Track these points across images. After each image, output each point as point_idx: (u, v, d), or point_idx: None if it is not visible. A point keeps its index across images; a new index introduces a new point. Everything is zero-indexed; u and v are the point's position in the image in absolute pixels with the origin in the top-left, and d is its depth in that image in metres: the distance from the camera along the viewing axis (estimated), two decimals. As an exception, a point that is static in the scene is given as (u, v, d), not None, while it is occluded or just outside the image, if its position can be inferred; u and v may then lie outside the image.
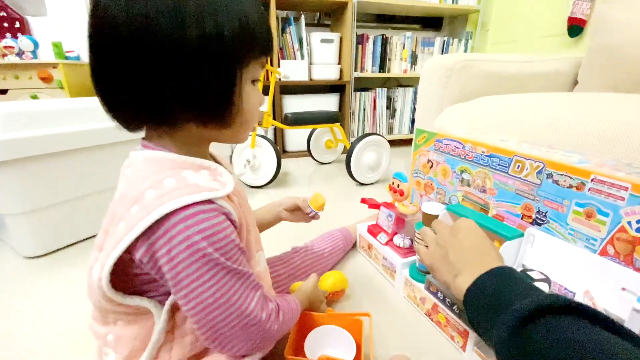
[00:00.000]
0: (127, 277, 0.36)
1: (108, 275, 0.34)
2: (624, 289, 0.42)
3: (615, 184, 0.45)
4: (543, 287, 0.47)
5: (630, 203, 0.44)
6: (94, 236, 0.97)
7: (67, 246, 0.92)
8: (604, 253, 0.47)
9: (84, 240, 0.95)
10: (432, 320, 0.61)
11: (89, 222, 0.96)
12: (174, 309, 0.39)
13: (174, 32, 0.31)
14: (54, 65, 1.45)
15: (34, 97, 1.48)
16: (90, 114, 0.90)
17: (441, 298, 0.57)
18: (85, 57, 1.73)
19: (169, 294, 0.37)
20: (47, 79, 1.45)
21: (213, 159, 0.47)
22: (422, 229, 0.56)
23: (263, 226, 0.68)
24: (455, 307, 0.54)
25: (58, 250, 0.90)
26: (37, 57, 1.58)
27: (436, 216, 0.62)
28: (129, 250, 0.33)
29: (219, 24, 0.32)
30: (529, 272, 0.48)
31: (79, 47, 1.73)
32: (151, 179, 0.34)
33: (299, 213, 0.70)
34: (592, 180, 0.48)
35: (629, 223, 0.44)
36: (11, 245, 0.91)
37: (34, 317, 0.66)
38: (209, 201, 0.34)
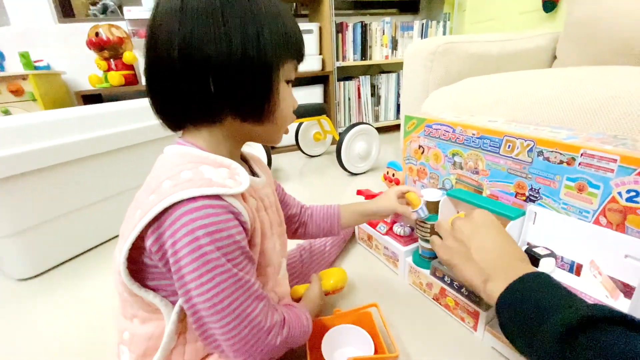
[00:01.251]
0: (142, 266, 0.37)
1: (125, 262, 0.35)
2: (627, 255, 0.43)
3: (604, 157, 0.47)
4: (549, 261, 0.48)
5: (620, 174, 0.45)
6: (87, 251, 0.95)
7: (60, 264, 0.90)
8: (596, 224, 0.49)
9: (77, 256, 0.93)
10: (440, 304, 0.63)
11: (80, 237, 0.94)
12: (184, 311, 0.38)
13: (221, 44, 0.35)
14: (24, 77, 1.39)
15: (5, 111, 1.41)
16: (72, 126, 0.86)
17: (448, 282, 0.59)
18: (55, 66, 1.66)
19: (175, 294, 0.37)
20: (17, 92, 1.39)
21: (245, 161, 0.49)
22: (437, 222, 0.55)
23: (351, 225, 0.70)
24: (463, 290, 0.56)
25: (51, 269, 0.88)
26: (4, 69, 1.51)
27: (436, 203, 0.63)
28: (142, 238, 0.34)
29: (259, 27, 0.36)
30: (534, 249, 0.50)
31: (48, 55, 1.65)
32: (171, 171, 0.36)
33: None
34: (581, 154, 0.50)
35: (619, 193, 0.46)
36: (1, 269, 0.88)
37: (31, 341, 0.64)
38: (219, 197, 0.34)
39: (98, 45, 1.54)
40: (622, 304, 0.42)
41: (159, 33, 0.36)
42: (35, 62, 1.55)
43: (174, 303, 0.38)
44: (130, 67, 1.65)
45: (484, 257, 0.43)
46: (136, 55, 1.61)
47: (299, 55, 0.42)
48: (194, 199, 0.33)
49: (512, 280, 0.37)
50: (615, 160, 0.46)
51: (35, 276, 0.85)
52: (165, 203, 0.32)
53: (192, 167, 0.36)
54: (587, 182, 0.50)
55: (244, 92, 0.37)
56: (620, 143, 0.49)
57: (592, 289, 0.45)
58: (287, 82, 0.42)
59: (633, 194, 0.45)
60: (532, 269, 0.38)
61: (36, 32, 1.61)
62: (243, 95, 0.38)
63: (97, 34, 1.53)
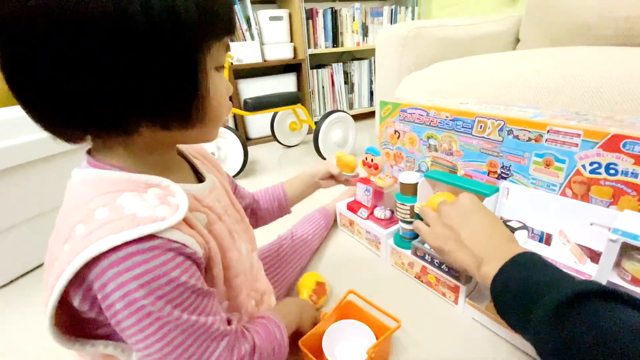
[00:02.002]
0: (79, 320, 0.31)
1: (52, 327, 0.29)
2: (592, 223, 0.47)
3: (569, 132, 0.50)
4: (522, 233, 0.51)
5: (583, 148, 0.48)
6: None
7: (32, 270, 0.85)
8: (563, 196, 0.52)
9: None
10: (422, 282, 0.65)
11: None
12: None
13: (111, 10, 0.24)
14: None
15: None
16: (28, 124, 0.80)
17: (429, 260, 0.61)
18: None
19: None
20: (-38, 91, 1.27)
21: (185, 159, 0.42)
22: (421, 208, 0.55)
23: (298, 197, 0.69)
24: (443, 266, 0.58)
25: (22, 276, 0.83)
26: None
27: (414, 185, 0.64)
28: (65, 297, 0.28)
29: (170, 5, 0.25)
30: (508, 223, 0.53)
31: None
32: (83, 210, 0.28)
33: (332, 180, 0.71)
34: (548, 131, 0.52)
35: (583, 166, 0.49)
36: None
37: (6, 351, 0.61)
38: (151, 236, 0.27)
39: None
40: (589, 269, 0.46)
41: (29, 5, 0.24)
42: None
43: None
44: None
45: (475, 241, 0.43)
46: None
47: (230, 30, 0.32)
48: (116, 249, 0.26)
49: (504, 261, 0.38)
50: (579, 135, 0.49)
51: (5, 285, 0.80)
52: (81, 259, 0.26)
53: (109, 200, 0.28)
54: (553, 157, 0.52)
55: (158, 92, 0.28)
56: (582, 119, 0.52)
57: (561, 256, 0.48)
58: (217, 68, 0.33)
59: (596, 165, 0.48)
60: (522, 249, 0.40)
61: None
62: (157, 97, 0.28)
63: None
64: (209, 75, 0.31)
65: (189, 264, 0.30)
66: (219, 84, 0.33)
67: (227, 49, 0.34)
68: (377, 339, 0.49)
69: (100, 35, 0.24)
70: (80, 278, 0.27)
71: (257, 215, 0.64)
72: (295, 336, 0.49)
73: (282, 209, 0.66)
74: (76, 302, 0.28)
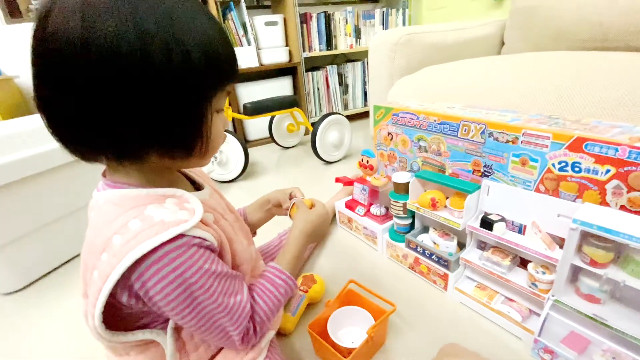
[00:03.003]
0: (122, 317, 0.37)
1: (101, 324, 0.34)
2: (559, 215, 0.53)
3: (541, 135, 0.56)
4: (501, 225, 0.58)
5: (553, 149, 0.55)
6: (71, 260, 0.95)
7: (48, 273, 0.89)
8: (537, 191, 0.59)
9: (61, 265, 0.93)
10: (415, 271, 0.72)
11: (65, 245, 0.93)
12: (178, 330, 0.41)
13: (138, 67, 0.28)
14: (-24, 84, 1.30)
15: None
16: (38, 136, 0.85)
17: (421, 252, 0.67)
18: (7, 70, 1.56)
19: (167, 320, 0.40)
20: (-31, 101, 1.30)
21: (183, 174, 0.48)
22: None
23: (256, 225, 0.69)
24: (434, 256, 0.64)
25: (36, 280, 0.87)
26: (-52, 77, 1.40)
27: (406, 184, 0.70)
28: (112, 296, 0.33)
29: (186, 57, 0.30)
30: (489, 216, 0.59)
31: (-3, 59, 1.55)
32: (116, 223, 0.33)
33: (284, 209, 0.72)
34: (523, 134, 0.58)
35: (553, 165, 0.55)
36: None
37: (21, 354, 0.65)
38: (180, 235, 0.33)
39: (53, 46, 1.46)
40: (557, 254, 0.52)
41: (56, 45, 0.28)
42: (-17, 67, 1.45)
43: (164, 329, 0.40)
44: (90, 67, 1.58)
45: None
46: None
47: (232, 78, 0.37)
48: (154, 249, 0.31)
49: None
50: (549, 138, 0.55)
51: (21, 289, 0.84)
52: (127, 262, 0.30)
53: (137, 213, 0.33)
54: (528, 157, 0.59)
55: (170, 129, 0.32)
56: (553, 122, 0.58)
57: (534, 244, 0.55)
58: (219, 111, 0.38)
59: (563, 164, 0.54)
60: None
61: (-20, 33, 1.50)
62: (169, 132, 0.33)
63: (50, 35, 1.45)
64: (211, 119, 0.36)
65: (209, 254, 0.37)
66: (218, 124, 0.38)
67: (228, 93, 0.39)
68: (375, 321, 0.55)
69: (127, 85, 0.29)
70: (124, 279, 0.32)
71: None
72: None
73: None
74: (124, 299, 0.34)
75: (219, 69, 0.34)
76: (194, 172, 0.51)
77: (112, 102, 0.29)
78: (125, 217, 0.33)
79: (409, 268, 0.73)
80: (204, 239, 0.36)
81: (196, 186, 0.48)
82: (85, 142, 0.33)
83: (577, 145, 0.51)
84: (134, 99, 0.30)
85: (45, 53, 0.28)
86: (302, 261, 0.51)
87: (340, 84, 2.11)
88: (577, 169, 0.53)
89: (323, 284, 0.69)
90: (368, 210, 0.83)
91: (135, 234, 0.31)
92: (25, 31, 1.56)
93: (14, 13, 1.57)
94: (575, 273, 0.51)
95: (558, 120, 0.59)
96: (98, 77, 0.28)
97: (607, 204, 0.50)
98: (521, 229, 0.62)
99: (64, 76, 0.28)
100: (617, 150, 0.47)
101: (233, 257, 0.44)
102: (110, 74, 0.28)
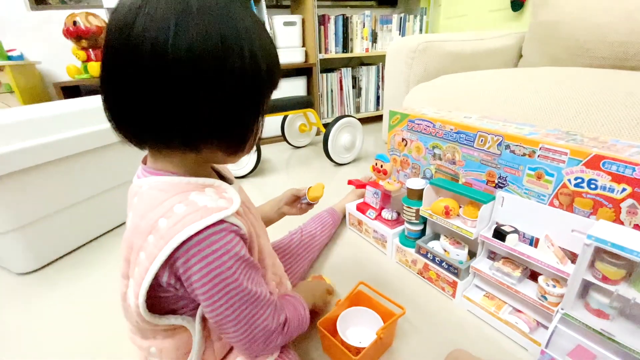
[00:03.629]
0: (158, 300, 0.39)
1: (144, 303, 0.36)
2: (573, 230, 0.54)
3: (558, 150, 0.57)
4: (514, 237, 0.59)
5: (569, 164, 0.56)
6: (87, 243, 0.98)
7: (61, 257, 0.92)
8: (551, 206, 0.60)
9: (77, 249, 0.95)
10: (424, 277, 0.73)
11: (80, 230, 0.96)
12: (205, 319, 0.42)
13: (219, 67, 0.33)
14: (0, 68, 1.34)
15: (-21, 104, 1.36)
16: (70, 120, 0.88)
17: (431, 258, 0.68)
18: (29, 56, 1.60)
19: (196, 308, 0.41)
20: (-7, 84, 1.34)
21: (215, 171, 0.50)
22: None
23: (267, 223, 0.70)
24: (444, 264, 0.65)
25: (52, 262, 0.90)
26: (-26, 60, 1.43)
27: (420, 190, 0.71)
28: (155, 277, 0.35)
29: (255, 62, 0.35)
30: (502, 227, 0.60)
31: (21, 44, 1.58)
32: (161, 208, 0.35)
33: (297, 203, 0.74)
34: (540, 148, 0.59)
35: (569, 180, 0.56)
36: (1, 265, 0.89)
37: (36, 333, 0.67)
38: (220, 221, 0.35)
39: (76, 34, 1.49)
40: (569, 268, 0.53)
41: (145, 40, 0.31)
42: (7, 51, 1.49)
43: (193, 316, 0.42)
44: (110, 57, 1.61)
45: None
46: (116, 45, 1.58)
47: (277, 85, 0.41)
48: (199, 232, 0.34)
49: None
50: (566, 153, 0.56)
51: (37, 270, 0.87)
52: (174, 243, 0.33)
53: (182, 198, 0.36)
54: (544, 171, 0.60)
55: (232, 124, 0.36)
56: (571, 138, 0.59)
57: (546, 257, 0.55)
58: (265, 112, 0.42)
59: (579, 180, 0.55)
60: None
61: (7, 20, 1.54)
62: (231, 127, 0.36)
63: (74, 23, 1.48)
64: (262, 118, 0.40)
65: (242, 243, 0.39)
66: (263, 124, 0.42)
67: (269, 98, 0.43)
68: (384, 323, 0.56)
69: (204, 85, 0.33)
70: (169, 260, 0.34)
71: None
72: (311, 314, 0.57)
73: None
74: (165, 279, 0.36)
75: (275, 75, 0.39)
76: (222, 168, 0.52)
77: (189, 97, 0.33)
78: (170, 202, 0.35)
79: (418, 274, 0.74)
80: (240, 228, 0.39)
81: (226, 181, 0.50)
82: (154, 129, 0.36)
83: (595, 162, 0.52)
84: (209, 96, 0.33)
85: (132, 46, 0.31)
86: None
87: (354, 87, 2.13)
88: (593, 186, 0.53)
89: (331, 285, 0.70)
90: (379, 214, 0.84)
91: (181, 217, 0.34)
92: (48, 19, 1.60)
93: (39, 0, 1.60)
94: (586, 288, 0.51)
95: (576, 137, 0.60)
96: (181, 74, 0.32)
97: (621, 222, 0.51)
98: (532, 242, 0.63)
99: (149, 70, 0.32)
100: (634, 169, 0.48)
101: (259, 250, 0.46)
102: (192, 74, 0.32)
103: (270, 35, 0.38)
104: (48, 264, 0.89)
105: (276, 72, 0.39)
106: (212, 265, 0.35)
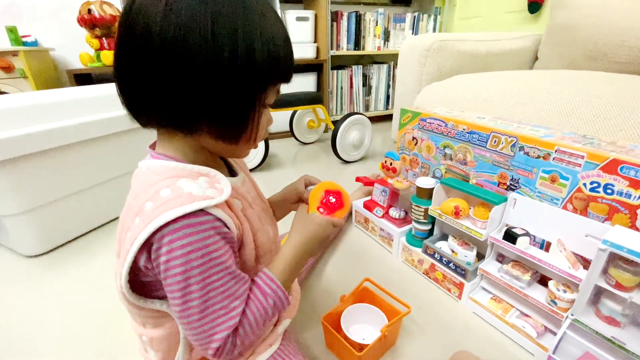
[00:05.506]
0: (141, 284, 0.38)
1: (126, 283, 0.36)
2: (587, 235, 0.53)
3: (574, 154, 0.56)
4: (525, 240, 0.57)
5: (586, 168, 0.54)
6: (95, 229, 0.98)
7: (69, 241, 0.93)
8: (564, 210, 0.58)
9: (85, 234, 0.96)
10: (430, 278, 0.72)
11: (88, 215, 0.97)
12: None
13: (207, 47, 0.32)
14: (14, 53, 1.35)
15: (-6, 88, 1.37)
16: (81, 106, 0.88)
17: (438, 258, 0.67)
18: (43, 42, 1.61)
19: None
20: (8, 69, 1.35)
21: (224, 161, 0.49)
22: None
23: (284, 211, 0.62)
24: (451, 264, 0.64)
25: (60, 246, 0.91)
26: (-11, 44, 1.45)
27: (430, 190, 0.71)
28: (136, 259, 0.34)
29: (250, 47, 0.33)
30: (513, 229, 0.59)
31: (35, 31, 1.60)
32: (151, 190, 0.35)
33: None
34: (555, 151, 0.58)
35: (584, 185, 0.55)
36: (9, 247, 0.90)
37: (42, 316, 0.67)
38: (202, 211, 0.34)
39: (90, 22, 1.50)
40: (581, 274, 0.52)
41: (138, 18, 0.32)
42: (22, 37, 1.50)
43: None
44: (123, 46, 1.62)
45: None
46: (129, 34, 1.59)
47: (286, 79, 0.39)
48: (174, 220, 0.32)
49: None
50: (582, 157, 0.55)
51: (45, 253, 0.88)
52: (151, 228, 0.32)
53: (170, 183, 0.35)
54: (558, 175, 0.58)
55: (223, 110, 0.36)
56: (588, 142, 0.58)
57: (557, 261, 0.54)
58: (266, 105, 0.40)
59: (595, 185, 0.54)
60: None
61: (23, 6, 1.55)
62: (222, 113, 0.36)
63: (89, 11, 1.49)
64: (259, 111, 0.38)
65: (223, 243, 0.36)
66: (264, 118, 0.40)
67: (278, 92, 0.41)
68: (388, 321, 0.56)
69: (196, 65, 0.32)
70: (146, 244, 0.33)
71: None
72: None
73: None
74: (142, 262, 0.34)
75: (277, 67, 0.37)
76: (235, 161, 0.51)
77: (177, 74, 0.33)
78: (159, 186, 0.35)
79: (424, 273, 0.73)
80: (224, 224, 0.36)
81: (232, 173, 0.50)
82: (151, 111, 0.36)
83: (612, 167, 0.51)
84: (197, 75, 0.33)
85: (128, 26, 0.33)
86: (298, 274, 0.47)
87: (364, 84, 2.11)
88: (609, 191, 0.52)
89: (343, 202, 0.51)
90: (387, 212, 0.83)
91: (164, 202, 0.33)
92: (63, 5, 1.61)
93: (57, -13, 1.61)
94: (598, 294, 0.50)
95: (593, 141, 0.59)
96: (170, 51, 0.32)
97: (637, 229, 0.50)
98: (543, 245, 0.62)
99: (141, 48, 0.32)
100: (654, 175, 0.47)
101: (256, 247, 0.44)
102: (180, 50, 0.32)
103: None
104: (56, 248, 0.90)
105: (281, 63, 0.37)
106: (178, 260, 0.33)
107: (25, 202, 0.81)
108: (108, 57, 1.52)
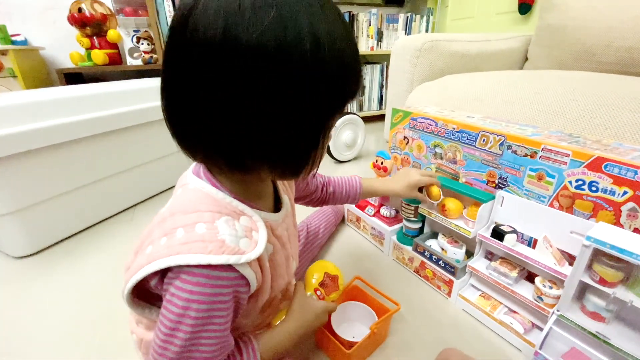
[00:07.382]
0: (148, 292, 0.37)
1: (129, 294, 0.35)
2: (572, 231, 0.54)
3: (560, 152, 0.56)
4: (512, 237, 0.58)
5: (571, 166, 0.55)
6: (85, 230, 0.97)
7: (59, 242, 0.92)
8: (551, 207, 0.59)
9: (75, 234, 0.95)
10: (420, 275, 0.72)
11: (79, 216, 0.96)
12: None
13: (278, 81, 0.27)
14: (3, 52, 1.33)
15: (-18, 87, 1.36)
16: (71, 106, 0.87)
17: (428, 256, 0.68)
18: (33, 41, 1.59)
19: None
20: (-4, 68, 1.34)
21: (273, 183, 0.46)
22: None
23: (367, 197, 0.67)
24: (440, 262, 0.65)
25: (49, 247, 0.90)
26: (-23, 43, 1.43)
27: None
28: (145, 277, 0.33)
29: (323, 73, 0.28)
30: (500, 227, 0.60)
31: (25, 30, 1.58)
32: (188, 218, 0.33)
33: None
34: (542, 149, 0.59)
35: (570, 182, 0.56)
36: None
37: (31, 317, 0.67)
38: (228, 267, 0.32)
39: (80, 21, 1.49)
40: (566, 270, 0.53)
41: (194, 35, 0.27)
42: (12, 36, 1.48)
43: None
44: (115, 45, 1.61)
45: None
46: (121, 33, 1.58)
47: (353, 99, 0.34)
48: (196, 266, 0.31)
49: None
50: (568, 155, 0.55)
51: (34, 254, 0.87)
52: (172, 262, 0.30)
53: (209, 219, 0.33)
54: (545, 173, 0.59)
55: (285, 152, 0.32)
56: (574, 141, 0.59)
57: (544, 258, 0.55)
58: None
59: (580, 182, 0.55)
60: None
61: (12, 4, 1.53)
62: (283, 156, 0.32)
63: (79, 10, 1.48)
64: (326, 139, 0.34)
65: (230, 304, 0.34)
66: (326, 145, 0.36)
67: (341, 115, 0.39)
68: (378, 319, 0.56)
69: (259, 100, 0.28)
70: (162, 269, 0.32)
71: (326, 202, 0.68)
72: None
73: (352, 201, 0.69)
74: (153, 282, 0.34)
75: (345, 89, 0.32)
76: (284, 184, 0.49)
77: (239, 116, 0.28)
78: (197, 217, 0.33)
79: (414, 271, 0.74)
80: (247, 280, 0.34)
81: (277, 199, 0.46)
82: (201, 151, 0.33)
83: (597, 165, 0.52)
84: (261, 116, 0.29)
85: (182, 48, 0.28)
86: (283, 355, 0.46)
87: (358, 85, 2.12)
88: (594, 189, 0.53)
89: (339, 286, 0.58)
90: (378, 211, 0.83)
91: (194, 239, 0.31)
92: (54, 4, 1.59)
93: (47, -14, 1.59)
94: (583, 290, 0.51)
95: (579, 139, 0.60)
96: (230, 74, 0.27)
97: (621, 226, 0.51)
98: (530, 242, 0.63)
99: (198, 71, 0.28)
100: (636, 173, 0.48)
101: (273, 278, 0.41)
102: (245, 72, 0.27)
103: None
104: (45, 249, 0.89)
105: (348, 82, 0.31)
106: (180, 302, 0.31)
107: (14, 202, 0.80)
108: (99, 56, 1.51)
